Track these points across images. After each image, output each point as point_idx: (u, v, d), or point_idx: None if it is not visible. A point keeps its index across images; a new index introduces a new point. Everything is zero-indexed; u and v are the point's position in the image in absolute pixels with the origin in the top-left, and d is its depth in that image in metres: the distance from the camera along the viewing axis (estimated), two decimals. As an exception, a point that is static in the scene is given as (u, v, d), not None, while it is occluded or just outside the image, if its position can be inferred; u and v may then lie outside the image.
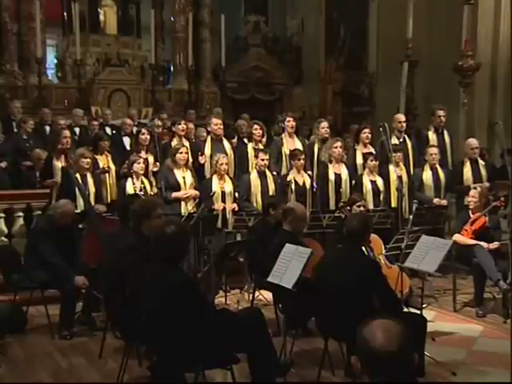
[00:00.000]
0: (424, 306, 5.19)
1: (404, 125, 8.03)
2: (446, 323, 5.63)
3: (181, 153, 6.85)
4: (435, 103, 8.57)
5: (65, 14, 12.93)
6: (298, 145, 7.62)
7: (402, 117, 8.17)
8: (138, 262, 3.91)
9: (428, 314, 5.35)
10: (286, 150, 7.56)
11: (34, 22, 11.17)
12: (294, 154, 7.22)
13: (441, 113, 8.05)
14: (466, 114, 9.98)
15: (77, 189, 6.40)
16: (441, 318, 5.78)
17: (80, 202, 6.41)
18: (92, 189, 6.67)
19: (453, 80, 9.36)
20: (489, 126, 10.12)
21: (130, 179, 6.77)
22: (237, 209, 6.87)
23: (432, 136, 8.07)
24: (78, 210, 6.31)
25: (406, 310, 4.85)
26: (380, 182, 7.26)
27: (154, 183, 7.00)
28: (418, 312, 4.82)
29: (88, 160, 6.63)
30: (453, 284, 6.20)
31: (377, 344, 1.88)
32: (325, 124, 7.91)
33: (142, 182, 6.81)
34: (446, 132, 8.16)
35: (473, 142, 7.74)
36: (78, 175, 6.57)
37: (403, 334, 1.92)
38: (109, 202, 6.98)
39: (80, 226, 6.24)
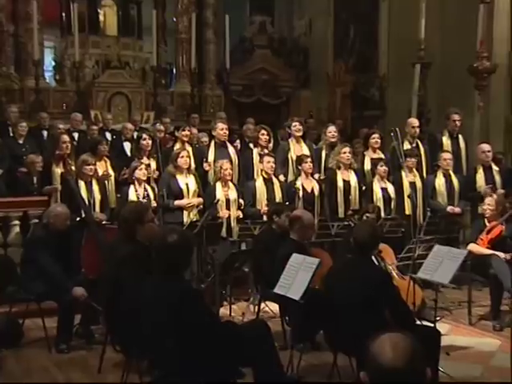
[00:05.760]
0: (438, 318, 5.18)
1: (417, 130, 8.04)
2: (461, 337, 5.61)
3: (182, 157, 6.87)
4: (449, 107, 8.57)
5: (63, 14, 12.98)
6: (305, 150, 7.64)
7: (415, 121, 8.18)
8: (136, 272, 3.92)
9: (442, 327, 5.33)
10: (292, 155, 7.58)
11: (31, 23, 11.23)
12: (300, 159, 7.25)
13: (456, 117, 8.05)
14: (481, 117, 9.97)
15: (75, 195, 6.42)
16: (456, 332, 5.76)
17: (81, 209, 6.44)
18: (98, 196, 6.70)
19: (467, 82, 9.36)
20: (505, 131, 10.11)
21: (132, 186, 6.79)
22: (241, 216, 6.90)
23: (446, 141, 8.07)
24: (78, 218, 6.35)
25: (418, 323, 4.84)
26: (391, 188, 7.26)
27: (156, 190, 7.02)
28: (432, 325, 4.82)
29: (91, 167, 6.67)
30: (468, 296, 6.19)
31: (385, 359, 1.88)
32: (332, 128, 7.93)
33: (145, 189, 6.84)
34: (460, 137, 8.16)
35: (485, 146, 7.75)
36: (82, 183, 6.61)
37: (414, 348, 1.92)
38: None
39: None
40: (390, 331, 1.98)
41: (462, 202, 7.56)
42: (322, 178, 7.49)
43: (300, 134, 7.79)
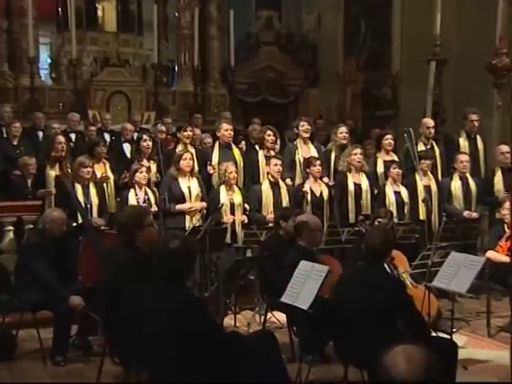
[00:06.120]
0: (454, 330, 5.17)
1: (432, 131, 8.05)
2: (479, 350, 5.59)
3: (185, 159, 6.89)
4: (466, 106, 8.57)
5: (59, 9, 13.01)
6: (314, 152, 7.64)
7: (430, 122, 8.19)
8: (136, 279, 3.93)
9: (459, 339, 5.31)
10: (300, 157, 7.58)
11: (25, 18, 11.27)
12: (309, 161, 7.26)
13: (474, 117, 8.05)
14: (501, 117, 9.95)
15: (72, 200, 6.43)
16: (474, 344, 5.74)
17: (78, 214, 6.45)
18: (95, 200, 6.72)
19: (486, 80, 9.35)
20: (526, 132, 10.08)
21: (132, 190, 6.81)
22: (246, 221, 6.91)
23: (463, 142, 8.07)
24: (75, 224, 6.36)
25: (434, 334, 4.83)
26: (405, 192, 7.25)
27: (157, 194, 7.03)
28: (448, 337, 4.80)
29: (88, 169, 6.69)
30: (487, 306, 6.17)
31: (398, 372, 1.88)
32: (343, 129, 7.93)
33: (146, 193, 6.85)
34: (478, 138, 8.16)
35: (504, 147, 7.73)
36: (79, 186, 6.63)
37: (429, 361, 1.91)
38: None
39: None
40: (403, 343, 1.97)
41: (480, 206, 7.55)
42: (331, 183, 7.48)
43: (308, 134, 7.79)
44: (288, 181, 7.42)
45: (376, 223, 6.27)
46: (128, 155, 8.57)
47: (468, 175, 7.55)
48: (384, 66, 13.22)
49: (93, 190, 6.74)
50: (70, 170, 7.01)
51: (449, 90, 10.93)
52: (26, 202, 7.16)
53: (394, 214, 6.92)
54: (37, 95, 11.46)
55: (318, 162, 7.21)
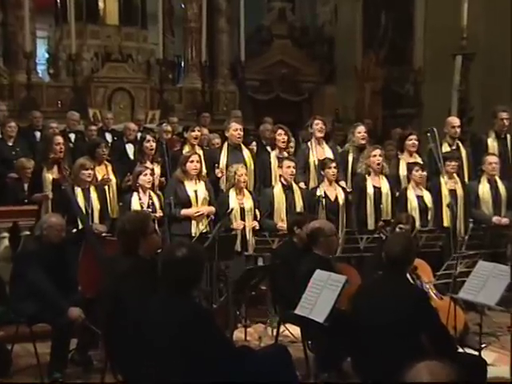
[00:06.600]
0: (483, 346, 5.14)
1: (458, 130, 8.03)
2: (510, 367, 5.56)
3: (192, 161, 6.90)
4: (495, 103, 8.55)
5: (58, 0, 13.10)
6: (328, 153, 7.64)
7: (456, 121, 8.17)
8: (139, 289, 3.95)
9: (488, 355, 5.28)
10: (314, 159, 7.57)
11: (21, 10, 11.36)
12: (323, 163, 7.26)
13: (504, 115, 8.04)
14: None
15: (72, 205, 6.45)
16: (504, 361, 5.69)
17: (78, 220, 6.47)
18: (96, 205, 6.74)
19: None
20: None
21: (135, 194, 6.83)
22: (258, 227, 6.91)
23: (492, 142, 8.05)
24: (75, 230, 6.38)
25: (460, 350, 4.81)
26: (428, 197, 7.24)
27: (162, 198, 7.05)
28: (476, 353, 4.79)
29: (90, 171, 6.72)
30: (517, 320, 6.14)
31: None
32: (361, 129, 7.93)
33: (150, 197, 6.87)
34: (509, 137, 8.14)
35: None
36: (79, 190, 6.65)
37: (454, 378, 1.91)
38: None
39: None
40: (427, 359, 1.97)
41: (510, 211, 7.52)
42: (349, 190, 7.46)
43: (322, 134, 7.79)
44: (302, 184, 7.43)
45: (397, 230, 6.27)
46: (131, 157, 8.58)
47: (497, 178, 7.52)
48: (406, 61, 13.21)
49: (94, 194, 6.77)
50: (69, 173, 7.04)
51: (476, 86, 10.90)
52: (22, 206, 7.19)
53: (417, 219, 6.91)
54: (34, 93, 11.54)
55: (334, 164, 7.20)
